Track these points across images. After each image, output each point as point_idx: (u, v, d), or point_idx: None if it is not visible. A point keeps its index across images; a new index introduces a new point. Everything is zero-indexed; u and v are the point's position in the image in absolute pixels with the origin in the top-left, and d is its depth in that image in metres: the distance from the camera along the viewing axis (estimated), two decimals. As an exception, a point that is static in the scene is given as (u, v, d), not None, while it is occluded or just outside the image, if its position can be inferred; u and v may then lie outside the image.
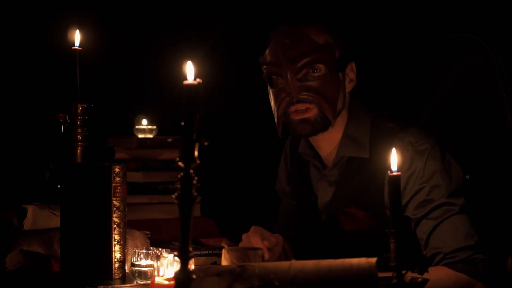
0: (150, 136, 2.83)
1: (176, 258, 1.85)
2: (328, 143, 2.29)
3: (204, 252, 2.37)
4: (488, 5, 2.73)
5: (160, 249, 2.01)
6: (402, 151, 2.11)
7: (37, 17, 3.13)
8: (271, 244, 2.08)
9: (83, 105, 2.26)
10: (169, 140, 2.62)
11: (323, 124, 2.22)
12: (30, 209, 2.29)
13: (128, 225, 2.11)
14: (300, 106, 2.20)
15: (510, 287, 2.15)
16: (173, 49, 3.17)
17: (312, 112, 2.20)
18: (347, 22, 2.29)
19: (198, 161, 1.39)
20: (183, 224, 1.39)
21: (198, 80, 1.39)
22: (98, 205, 2.07)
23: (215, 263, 2.28)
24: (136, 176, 2.72)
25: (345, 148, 2.25)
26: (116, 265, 2.05)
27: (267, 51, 2.23)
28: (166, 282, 1.85)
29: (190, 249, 1.39)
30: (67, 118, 2.40)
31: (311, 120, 2.21)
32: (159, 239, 2.37)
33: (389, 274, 1.59)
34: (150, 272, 1.98)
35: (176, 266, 1.86)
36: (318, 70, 2.20)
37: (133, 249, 2.11)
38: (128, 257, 2.09)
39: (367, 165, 2.21)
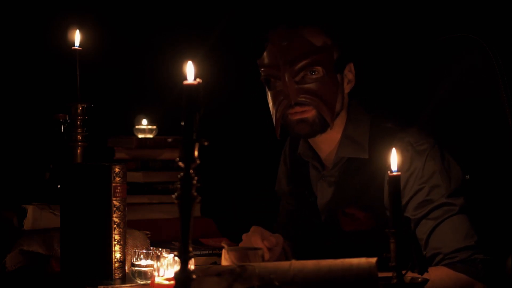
0: (150, 136, 2.83)
1: (176, 258, 1.85)
2: (327, 144, 2.28)
3: (204, 252, 2.37)
4: (488, 5, 2.73)
5: (160, 249, 2.01)
6: (401, 151, 2.11)
7: (37, 17, 3.13)
8: (271, 244, 2.08)
9: (83, 105, 2.26)
10: (169, 140, 2.62)
11: (321, 126, 2.21)
12: (30, 209, 2.30)
13: (128, 225, 2.11)
14: (298, 109, 2.19)
15: (510, 287, 2.15)
16: (173, 49, 3.17)
17: (311, 113, 2.20)
18: (346, 23, 2.28)
19: (198, 161, 1.39)
20: (183, 224, 1.39)
21: (198, 80, 1.39)
22: (98, 205, 2.07)
23: (215, 263, 2.28)
24: (136, 176, 2.72)
25: (344, 148, 2.25)
26: (116, 265, 2.05)
27: (265, 54, 2.23)
28: (166, 282, 1.85)
29: (190, 249, 1.39)
30: (67, 118, 2.40)
31: (309, 121, 2.20)
32: (159, 239, 2.37)
33: (389, 274, 1.59)
34: (150, 272, 1.98)
35: (176, 266, 1.86)
36: (316, 72, 2.19)
37: (133, 249, 2.11)
38: (128, 257, 2.09)
39: (366, 166, 2.21)
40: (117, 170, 2.06)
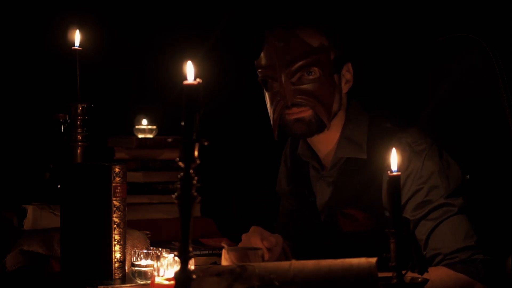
0: (150, 136, 2.83)
1: (176, 258, 1.85)
2: (325, 144, 2.28)
3: (204, 252, 2.37)
4: (488, 5, 2.73)
5: (160, 249, 2.01)
6: (399, 152, 2.11)
7: (37, 17, 3.13)
8: (270, 244, 2.08)
9: (83, 105, 2.26)
10: (169, 140, 2.62)
11: (317, 126, 2.21)
12: (30, 209, 2.30)
13: (128, 225, 2.11)
14: (295, 110, 2.19)
15: (510, 287, 2.15)
16: (173, 49, 3.17)
17: (307, 113, 2.20)
18: (343, 24, 2.28)
19: (198, 161, 1.39)
20: (183, 224, 1.39)
21: (198, 80, 1.39)
22: (98, 205, 2.07)
23: (215, 263, 2.28)
24: (136, 176, 2.72)
25: (343, 149, 2.25)
26: (116, 265, 2.05)
27: (262, 55, 2.23)
28: (166, 282, 1.85)
29: (190, 249, 1.39)
30: (67, 118, 2.40)
31: (306, 120, 2.20)
32: (159, 239, 2.37)
33: (389, 274, 1.59)
34: (150, 272, 1.98)
35: (176, 266, 1.86)
36: (312, 73, 2.19)
37: (133, 249, 2.11)
38: (128, 257, 2.09)
39: (365, 166, 2.21)
40: (117, 170, 2.06)
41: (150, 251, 2.03)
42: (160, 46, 3.28)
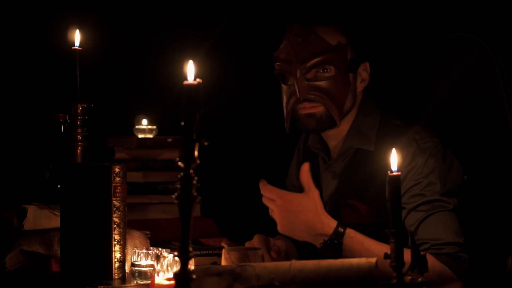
0: (150, 136, 2.83)
1: (176, 258, 1.85)
2: (336, 137, 2.32)
3: (204, 252, 2.37)
4: (488, 5, 2.73)
5: (160, 249, 2.01)
6: (405, 147, 2.14)
7: (37, 17, 3.13)
8: (278, 256, 2.14)
9: (83, 105, 2.26)
10: (169, 140, 2.62)
11: (328, 123, 2.24)
12: (30, 209, 2.29)
13: (128, 225, 2.11)
14: (307, 105, 2.23)
15: (510, 287, 2.15)
16: (173, 49, 3.16)
17: (319, 109, 2.23)
18: (363, 23, 2.30)
19: (198, 161, 1.39)
20: (183, 224, 1.39)
21: (198, 80, 1.39)
22: (98, 205, 2.07)
23: (215, 263, 2.28)
24: (136, 176, 2.72)
25: (352, 139, 2.28)
26: (116, 265, 2.05)
27: (281, 47, 2.25)
28: (166, 282, 1.85)
29: (190, 249, 1.39)
30: (67, 118, 2.40)
31: (317, 116, 2.23)
32: (159, 239, 2.37)
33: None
34: (150, 272, 1.98)
35: (176, 266, 1.86)
36: (328, 71, 2.23)
37: (133, 249, 2.11)
38: (128, 257, 2.09)
39: (371, 160, 2.23)
40: (117, 170, 2.06)
41: (150, 251, 2.03)
42: (160, 46, 3.28)
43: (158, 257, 1.88)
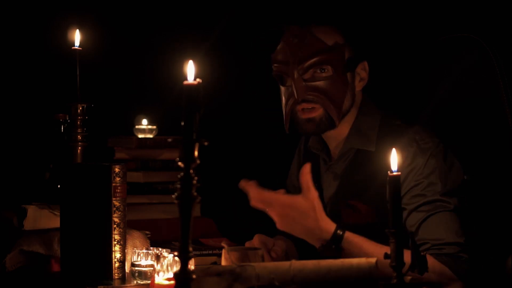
0: (150, 136, 2.83)
1: (176, 258, 1.85)
2: (336, 137, 2.32)
3: (204, 252, 2.37)
4: (488, 5, 2.73)
5: (160, 249, 2.01)
6: (406, 147, 2.14)
7: (37, 17, 3.13)
8: (278, 256, 2.13)
9: (83, 105, 2.26)
10: (169, 140, 2.62)
11: (328, 124, 2.25)
12: (30, 209, 2.29)
13: (128, 225, 2.11)
14: (305, 105, 2.23)
15: (510, 287, 2.15)
16: (173, 49, 3.17)
17: (318, 112, 2.23)
18: (360, 22, 2.30)
19: (198, 161, 1.39)
20: (183, 224, 1.39)
21: (198, 80, 1.39)
22: (98, 205, 2.07)
23: (215, 263, 2.28)
24: (136, 176, 2.72)
25: (352, 140, 2.28)
26: (116, 265, 2.05)
27: (278, 48, 2.25)
28: (166, 282, 1.85)
29: (190, 249, 1.39)
30: (67, 118, 2.40)
31: (317, 120, 2.23)
32: (159, 239, 2.37)
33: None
34: (150, 272, 1.98)
35: (176, 266, 1.86)
36: (325, 71, 2.23)
37: (133, 249, 2.11)
38: (128, 257, 2.09)
39: (372, 160, 2.23)
40: (117, 170, 2.06)
41: (150, 251, 2.03)
42: (160, 46, 3.28)
43: (158, 257, 1.88)
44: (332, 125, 2.24)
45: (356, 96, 2.29)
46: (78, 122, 2.26)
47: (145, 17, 3.32)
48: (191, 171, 1.38)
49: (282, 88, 2.29)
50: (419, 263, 1.62)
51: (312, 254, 2.10)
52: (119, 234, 2.05)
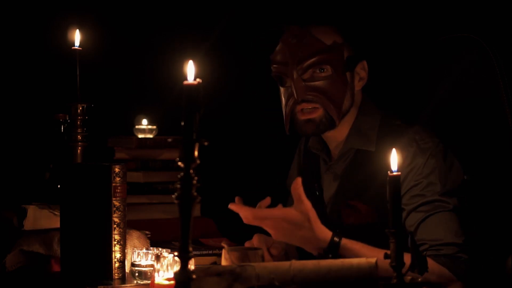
0: (150, 136, 2.83)
1: (176, 258, 1.85)
2: (336, 137, 2.32)
3: (204, 252, 2.37)
4: (488, 5, 2.73)
5: (160, 249, 2.01)
6: (406, 147, 2.14)
7: (37, 17, 3.13)
8: (278, 252, 2.13)
9: (83, 105, 2.26)
10: (169, 140, 2.62)
11: (328, 125, 2.25)
12: (30, 209, 2.29)
13: (128, 225, 2.11)
14: (305, 106, 2.23)
15: (510, 287, 2.15)
16: (173, 49, 3.17)
17: (318, 113, 2.23)
18: (358, 22, 2.30)
19: (198, 161, 1.39)
20: (183, 224, 1.39)
21: (198, 80, 1.39)
22: (98, 205, 2.07)
23: (215, 263, 2.28)
24: (136, 176, 2.72)
25: (352, 140, 2.28)
26: (116, 265, 2.05)
27: (277, 49, 2.26)
28: (166, 282, 1.85)
29: (190, 249, 1.39)
30: (67, 118, 2.40)
31: (317, 121, 2.24)
32: (159, 239, 2.37)
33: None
34: (150, 272, 1.98)
35: (176, 266, 1.86)
36: (325, 71, 2.23)
37: (133, 249, 2.11)
38: (128, 257, 2.09)
39: (372, 160, 2.23)
40: (117, 170, 2.06)
41: (150, 251, 2.03)
42: (160, 46, 3.28)
43: (158, 257, 1.88)
44: (332, 125, 2.25)
45: (355, 96, 2.29)
46: (78, 122, 2.26)
47: (145, 17, 3.32)
48: (191, 171, 1.38)
49: (282, 89, 2.29)
50: (419, 263, 1.62)
51: (312, 254, 2.10)
52: (119, 234, 2.05)
